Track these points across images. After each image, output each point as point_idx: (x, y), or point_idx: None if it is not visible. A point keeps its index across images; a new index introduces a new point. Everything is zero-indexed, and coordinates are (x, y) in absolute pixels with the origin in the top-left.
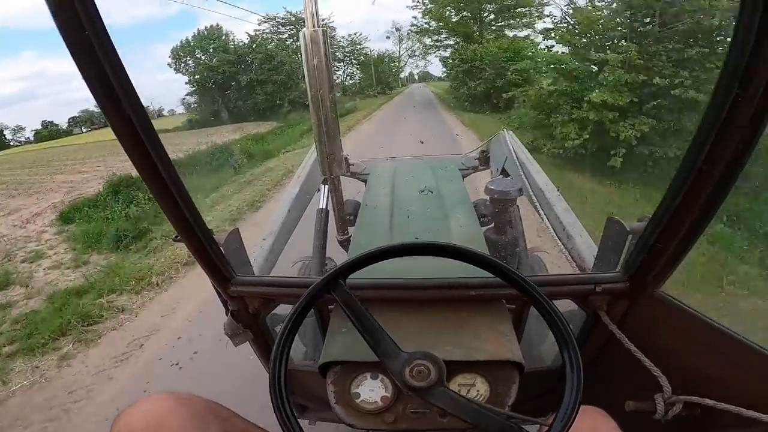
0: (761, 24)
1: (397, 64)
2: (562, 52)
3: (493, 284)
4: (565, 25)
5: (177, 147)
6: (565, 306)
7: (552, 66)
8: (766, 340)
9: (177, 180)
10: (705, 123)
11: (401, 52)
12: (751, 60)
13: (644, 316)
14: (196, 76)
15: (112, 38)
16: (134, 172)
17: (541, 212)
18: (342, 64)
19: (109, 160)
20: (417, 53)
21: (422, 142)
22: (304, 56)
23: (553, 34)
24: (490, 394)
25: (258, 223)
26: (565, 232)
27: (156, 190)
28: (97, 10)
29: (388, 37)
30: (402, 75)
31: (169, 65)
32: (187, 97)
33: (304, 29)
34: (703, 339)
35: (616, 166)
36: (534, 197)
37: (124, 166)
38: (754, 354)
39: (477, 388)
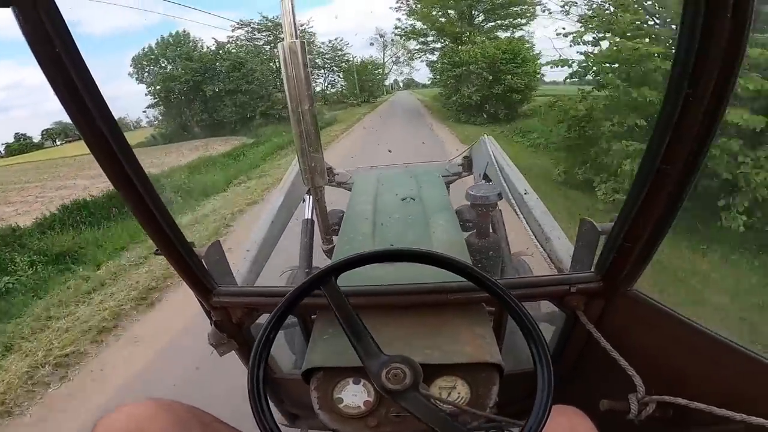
0: (705, 22)
1: (381, 71)
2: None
3: (472, 288)
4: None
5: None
6: (546, 308)
7: (606, 65)
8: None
9: (153, 193)
10: (660, 124)
11: (385, 59)
12: (698, 59)
13: (620, 315)
14: (157, 87)
15: (82, 52)
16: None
17: (521, 215)
18: (323, 71)
19: (48, 185)
20: (401, 59)
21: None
22: (283, 68)
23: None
24: (471, 396)
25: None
26: (543, 235)
27: (132, 203)
28: (65, 24)
29: (371, 44)
30: (387, 82)
31: (130, 75)
32: (149, 110)
33: (283, 41)
34: (677, 337)
35: (734, 228)
36: (513, 201)
37: (59, 195)
38: (728, 351)
39: (458, 391)
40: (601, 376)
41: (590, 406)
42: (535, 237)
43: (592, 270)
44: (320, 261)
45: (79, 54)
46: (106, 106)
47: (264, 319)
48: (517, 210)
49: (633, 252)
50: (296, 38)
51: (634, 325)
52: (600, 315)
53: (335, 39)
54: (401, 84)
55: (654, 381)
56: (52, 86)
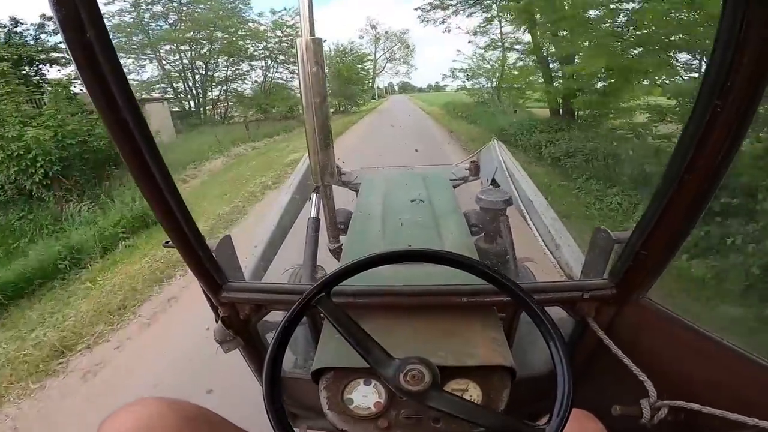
0: (740, 35)
1: (370, 69)
2: None
3: (485, 291)
4: None
5: None
6: (554, 314)
7: None
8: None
9: (172, 185)
10: (686, 134)
11: (377, 55)
12: (730, 71)
13: (631, 322)
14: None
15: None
16: None
17: (530, 222)
18: (264, 62)
19: None
20: (398, 56)
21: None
22: (299, 64)
23: None
24: (483, 399)
25: None
26: (553, 242)
27: (150, 194)
28: (99, 12)
29: (361, 37)
30: (380, 85)
31: None
32: None
33: (300, 37)
34: (689, 344)
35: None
36: (523, 207)
37: None
38: (738, 358)
39: (470, 394)
40: (610, 381)
41: (599, 410)
42: (545, 243)
43: (605, 277)
44: (323, 260)
45: (110, 42)
46: (133, 96)
47: (271, 316)
48: (527, 216)
49: (649, 261)
50: (313, 35)
51: (644, 331)
52: (610, 322)
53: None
54: (396, 87)
55: (664, 386)
56: (80, 73)
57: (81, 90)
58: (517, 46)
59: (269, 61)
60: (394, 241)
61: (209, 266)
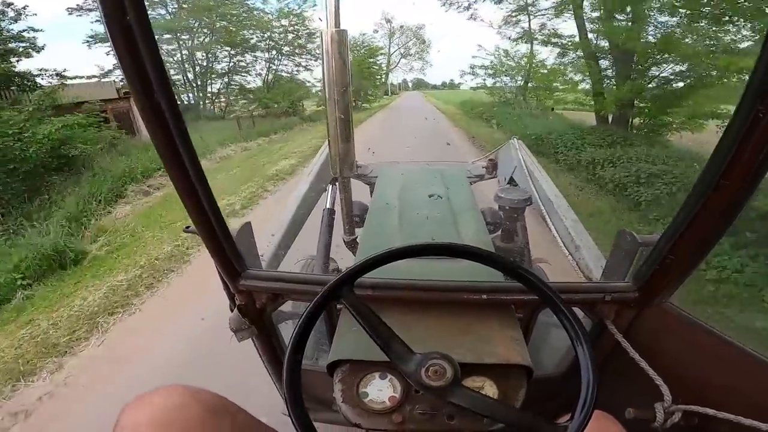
0: None
1: (383, 64)
2: None
3: (505, 289)
4: None
5: None
6: None
7: None
8: None
9: (200, 171)
10: (725, 138)
11: (391, 50)
12: None
13: (651, 325)
14: None
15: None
16: None
17: (550, 222)
18: (268, 53)
19: None
20: (413, 52)
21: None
22: (324, 55)
23: None
24: (499, 396)
25: None
26: (573, 243)
27: (178, 179)
28: None
29: (375, 31)
30: (394, 81)
31: None
32: None
33: (325, 28)
34: (708, 349)
35: None
36: (543, 207)
37: None
38: (757, 364)
39: (486, 391)
40: (625, 384)
41: (613, 411)
42: (564, 244)
43: (628, 280)
44: (336, 252)
45: (150, 27)
46: (168, 81)
47: (285, 307)
48: (546, 216)
49: (676, 266)
50: (338, 26)
51: (663, 335)
52: (629, 325)
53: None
54: (410, 84)
55: (679, 390)
56: (117, 55)
57: None
58: (555, 39)
59: (273, 52)
60: (412, 236)
61: (230, 253)
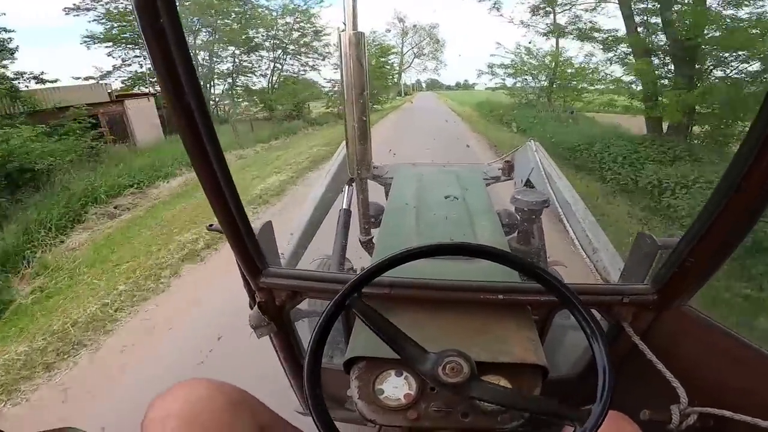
0: None
1: (395, 63)
2: None
3: (521, 290)
4: None
5: None
6: None
7: None
8: None
9: (226, 171)
10: (747, 141)
11: (404, 50)
12: None
13: (669, 328)
14: None
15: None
16: None
17: (567, 225)
18: (273, 52)
19: None
20: (426, 51)
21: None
22: (342, 58)
23: None
24: None
25: None
26: (591, 245)
27: (205, 178)
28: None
29: (388, 31)
30: (407, 81)
31: None
32: None
33: (343, 31)
34: (726, 351)
35: None
36: (560, 209)
37: None
38: None
39: None
40: (641, 385)
41: (627, 413)
42: (582, 247)
43: (647, 283)
44: (352, 252)
45: (181, 29)
46: (198, 83)
47: (305, 305)
48: (564, 219)
49: (695, 269)
50: (356, 29)
51: (681, 337)
52: (647, 327)
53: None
54: (424, 84)
55: (695, 392)
56: (151, 57)
57: None
58: (595, 34)
59: (278, 52)
60: (429, 236)
61: (253, 251)
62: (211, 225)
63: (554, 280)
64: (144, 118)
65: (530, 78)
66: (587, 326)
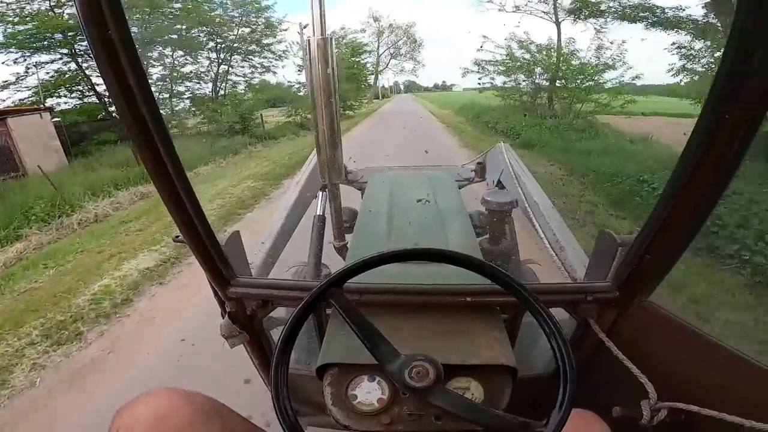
0: (749, 41)
1: (369, 64)
2: None
3: (489, 291)
4: None
5: None
6: (556, 315)
7: None
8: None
9: (185, 181)
10: (693, 139)
11: (380, 50)
12: (738, 79)
13: (633, 324)
14: None
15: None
16: None
17: (536, 224)
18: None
19: None
20: (403, 51)
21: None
22: (310, 63)
23: None
24: (485, 397)
25: None
26: (558, 244)
27: (164, 189)
28: (122, 8)
29: (363, 30)
30: (385, 84)
31: None
32: None
33: (311, 36)
34: (690, 347)
35: None
36: (529, 209)
37: None
38: (739, 362)
39: (471, 392)
40: (611, 382)
41: (599, 411)
42: (550, 245)
43: (608, 280)
44: (328, 258)
45: (131, 38)
46: (151, 92)
47: (277, 312)
48: (533, 218)
49: (653, 264)
50: (324, 34)
51: (646, 333)
52: (612, 324)
53: None
54: (402, 86)
55: (665, 388)
56: (99, 68)
57: None
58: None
59: (224, 54)
60: (400, 241)
61: (219, 261)
62: (177, 236)
63: (509, 279)
64: (37, 140)
65: (523, 76)
66: (544, 323)
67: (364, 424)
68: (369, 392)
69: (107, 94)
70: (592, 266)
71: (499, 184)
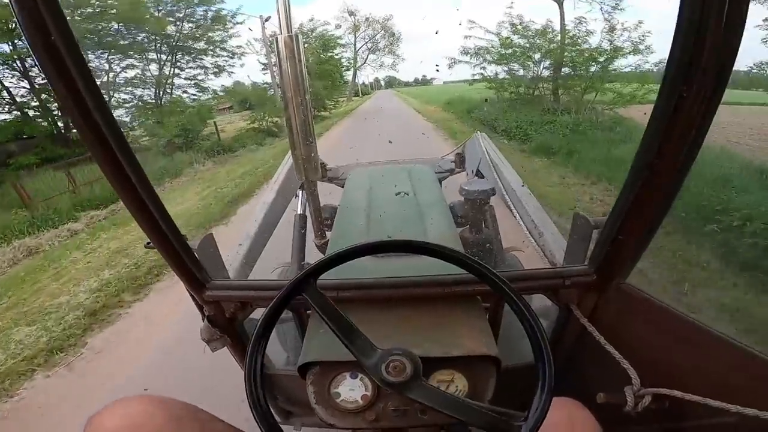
0: (701, 20)
1: (344, 59)
2: None
3: (468, 281)
4: None
5: None
6: (539, 302)
7: None
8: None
9: (148, 185)
10: (653, 120)
11: (357, 46)
12: (693, 57)
13: (614, 308)
14: None
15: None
16: None
17: (514, 210)
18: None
19: None
20: (381, 45)
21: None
22: (279, 61)
23: None
24: (469, 389)
25: None
26: (537, 230)
27: (127, 196)
28: (62, 12)
29: (338, 26)
30: (365, 80)
31: None
32: None
33: (279, 35)
34: (671, 330)
35: None
36: (507, 196)
37: None
38: (720, 344)
39: (456, 384)
40: (596, 369)
41: (585, 398)
42: (529, 231)
43: (586, 264)
44: (312, 256)
45: (76, 43)
46: (102, 97)
47: (257, 313)
48: (511, 205)
49: (626, 246)
50: (291, 32)
51: (627, 318)
52: (593, 308)
53: None
54: (383, 82)
55: (649, 373)
56: (46, 75)
57: None
58: None
59: (163, 55)
60: (378, 234)
61: (192, 265)
62: (148, 242)
63: (481, 267)
64: None
65: (518, 66)
66: (516, 308)
67: (349, 422)
68: (352, 389)
69: (36, 104)
70: (569, 250)
71: (478, 174)
